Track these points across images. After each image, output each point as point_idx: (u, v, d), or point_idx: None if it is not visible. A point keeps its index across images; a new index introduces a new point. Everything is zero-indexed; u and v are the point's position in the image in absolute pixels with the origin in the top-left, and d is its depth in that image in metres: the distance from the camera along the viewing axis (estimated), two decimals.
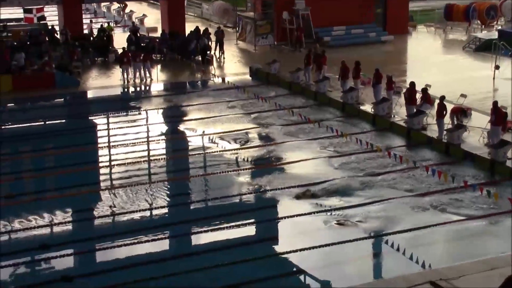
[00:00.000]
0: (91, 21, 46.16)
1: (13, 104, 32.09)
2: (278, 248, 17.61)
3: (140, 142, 25.67)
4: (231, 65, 38.79)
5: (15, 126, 28.32)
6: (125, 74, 34.80)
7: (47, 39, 38.41)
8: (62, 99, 33.15)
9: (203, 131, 26.95)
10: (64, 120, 30.04)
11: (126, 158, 23.85)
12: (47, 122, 29.05)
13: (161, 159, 24.21)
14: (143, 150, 24.75)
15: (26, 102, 31.87)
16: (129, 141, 25.80)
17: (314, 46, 37.69)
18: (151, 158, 23.86)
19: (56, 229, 18.70)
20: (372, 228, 18.31)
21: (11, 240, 18.19)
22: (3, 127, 28.39)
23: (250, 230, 18.75)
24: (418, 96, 27.08)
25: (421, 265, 16.53)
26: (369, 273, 16.71)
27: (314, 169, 22.67)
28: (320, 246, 17.26)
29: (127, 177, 22.35)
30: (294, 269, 16.60)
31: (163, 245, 18.11)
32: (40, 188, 22.18)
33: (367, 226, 18.40)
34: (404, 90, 27.86)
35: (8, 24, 41.15)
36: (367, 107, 28.38)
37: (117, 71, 36.12)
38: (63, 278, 15.93)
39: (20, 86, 32.75)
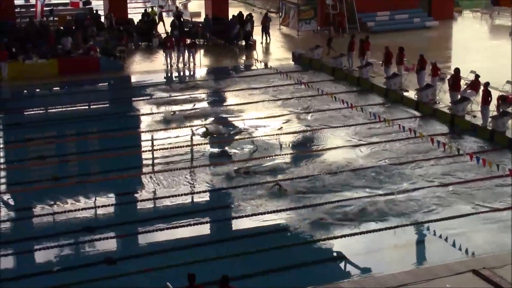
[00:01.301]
0: (161, 7, 46.20)
1: (58, 88, 32.55)
2: (319, 234, 17.55)
3: (182, 126, 25.79)
4: (274, 50, 38.73)
5: (61, 109, 28.61)
6: (169, 58, 34.99)
7: (92, 23, 38.76)
8: (106, 83, 33.42)
9: (244, 116, 27.02)
10: (107, 104, 30.18)
11: (168, 143, 24.00)
12: (91, 106, 29.28)
13: (203, 143, 24.23)
14: (185, 135, 24.83)
15: (71, 86, 32.27)
16: (171, 125, 25.98)
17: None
18: (193, 142, 23.91)
19: (100, 211, 18.96)
20: (414, 215, 18.19)
21: (56, 222, 18.50)
22: (49, 110, 28.82)
23: (290, 216, 18.68)
24: (463, 82, 26.78)
25: (464, 254, 16.42)
26: (411, 260, 16.62)
27: (356, 154, 22.61)
28: (361, 233, 17.26)
29: (169, 162, 22.50)
30: (335, 254, 16.61)
31: (204, 229, 18.25)
32: (84, 171, 22.47)
33: (410, 213, 18.29)
34: (449, 76, 27.53)
35: (54, 8, 41.61)
36: (411, 93, 28.14)
37: (160, 56, 36.34)
38: (106, 260, 16.17)
39: (66, 70, 33.21)
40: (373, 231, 17.33)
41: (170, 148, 23.51)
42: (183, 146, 23.66)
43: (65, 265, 16.18)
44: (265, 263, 16.14)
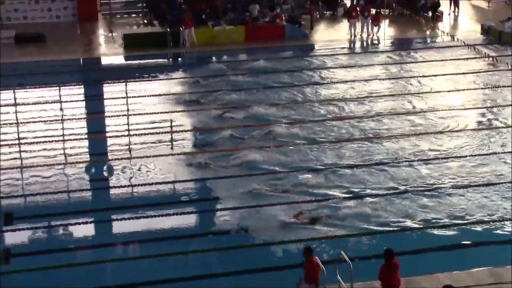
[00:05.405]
0: None
1: (244, 54, 33.32)
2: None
3: (358, 98, 25.67)
4: (462, 22, 37.56)
5: (247, 75, 29.15)
6: (353, 28, 34.90)
7: None
8: (291, 52, 33.58)
9: (425, 89, 26.50)
10: (291, 73, 30.14)
11: (345, 111, 24.06)
12: (280, 73, 29.11)
13: (377, 114, 23.81)
14: (362, 104, 24.70)
15: (256, 53, 32.81)
16: (349, 94, 26.06)
17: None
18: (370, 114, 23.75)
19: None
20: None
21: None
22: (233, 75, 29.33)
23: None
24: None
25: None
26: None
27: None
28: None
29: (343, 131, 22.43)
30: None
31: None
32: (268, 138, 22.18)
33: None
34: None
35: None
36: None
37: (344, 25, 36.34)
38: None
39: (252, 37, 34.15)
40: None
41: (344, 118, 23.31)
42: (354, 118, 23.32)
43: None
44: (431, 240, 15.86)
